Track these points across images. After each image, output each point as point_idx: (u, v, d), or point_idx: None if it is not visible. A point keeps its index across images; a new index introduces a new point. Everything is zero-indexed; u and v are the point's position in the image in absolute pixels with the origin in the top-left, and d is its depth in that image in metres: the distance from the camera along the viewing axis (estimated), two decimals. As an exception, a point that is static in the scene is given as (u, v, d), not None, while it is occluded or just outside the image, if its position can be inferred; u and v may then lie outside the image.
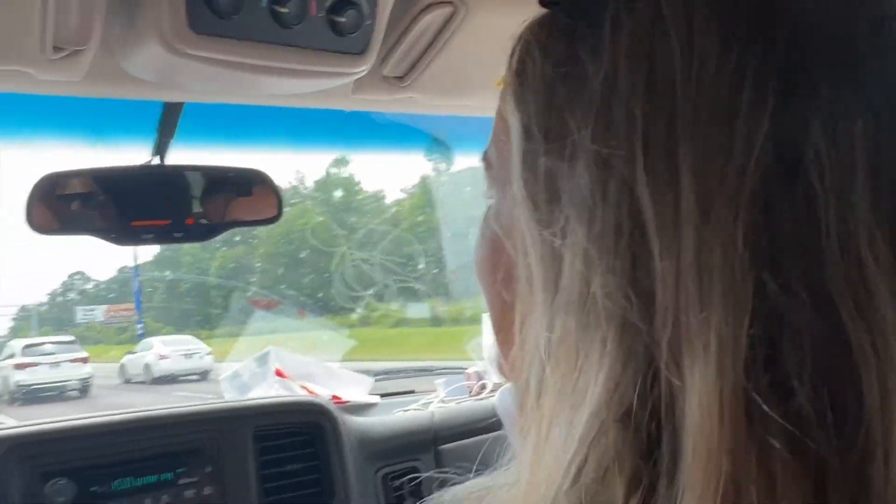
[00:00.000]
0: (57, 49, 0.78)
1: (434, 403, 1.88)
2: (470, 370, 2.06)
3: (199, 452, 1.45)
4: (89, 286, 20.69)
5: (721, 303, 0.30)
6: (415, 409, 1.85)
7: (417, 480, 1.57)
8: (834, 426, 0.30)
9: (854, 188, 0.31)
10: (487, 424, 1.47)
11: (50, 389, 11.47)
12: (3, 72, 0.79)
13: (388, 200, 17.25)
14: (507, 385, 0.46)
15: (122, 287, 18.91)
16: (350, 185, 17.77)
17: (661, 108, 0.32)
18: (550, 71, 0.37)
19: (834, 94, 0.32)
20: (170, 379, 12.31)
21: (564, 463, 0.32)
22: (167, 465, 1.42)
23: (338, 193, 17.92)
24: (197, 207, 1.17)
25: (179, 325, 16.67)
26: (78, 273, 20.46)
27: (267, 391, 1.95)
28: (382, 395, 2.00)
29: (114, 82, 0.91)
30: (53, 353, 12.06)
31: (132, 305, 17.62)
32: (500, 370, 0.46)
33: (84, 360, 12.24)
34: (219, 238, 1.22)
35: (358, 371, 2.11)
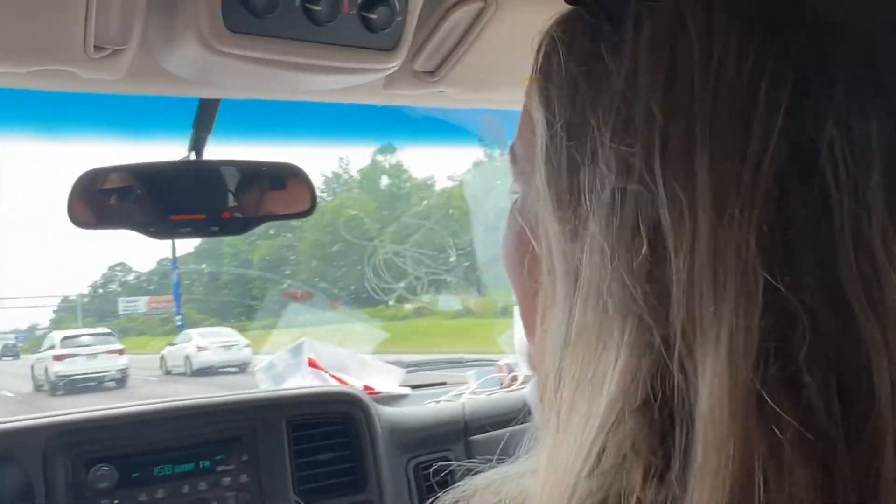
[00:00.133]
0: (98, 49, 0.80)
1: (465, 395, 1.89)
2: (501, 362, 2.07)
3: (235, 441, 1.49)
4: (130, 277, 20.89)
5: (733, 297, 0.31)
6: (446, 401, 1.86)
7: (448, 471, 1.58)
8: (843, 417, 0.30)
9: (868, 186, 0.31)
10: (518, 416, 1.47)
11: (88, 380, 11.67)
12: (48, 71, 0.82)
13: (437, 188, 16.60)
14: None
15: (161, 279, 19.05)
16: (397, 172, 17.20)
17: (680, 106, 0.33)
18: (574, 68, 0.38)
19: (850, 93, 0.32)
20: (210, 371, 12.39)
21: (584, 450, 0.33)
22: (205, 453, 1.46)
23: (384, 181, 17.36)
24: (232, 202, 1.19)
25: (221, 316, 16.69)
26: (119, 264, 20.68)
27: (301, 382, 1.98)
28: (414, 387, 2.01)
29: (152, 80, 0.93)
30: (91, 345, 12.26)
31: (169, 297, 17.79)
32: (529, 361, 0.47)
33: (120, 352, 12.43)
34: (259, 230, 1.23)
35: (390, 363, 2.13)
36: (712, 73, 0.33)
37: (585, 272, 0.35)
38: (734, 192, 0.31)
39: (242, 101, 1.16)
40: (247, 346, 12.65)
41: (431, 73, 1.02)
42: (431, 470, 1.59)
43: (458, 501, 0.42)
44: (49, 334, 13.83)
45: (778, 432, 0.30)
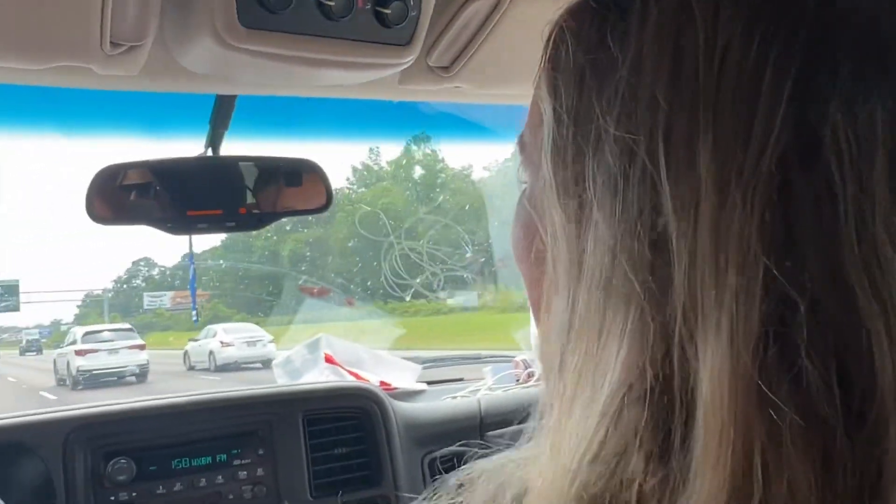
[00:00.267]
0: (115, 45, 0.81)
1: (481, 391, 1.89)
2: (518, 358, 2.07)
3: (252, 435, 1.50)
4: (155, 272, 20.91)
5: (735, 283, 0.31)
6: (462, 397, 1.86)
7: (463, 466, 1.58)
8: (844, 404, 0.30)
9: (872, 172, 0.31)
10: (534, 412, 1.47)
11: (109, 375, 11.79)
12: (65, 68, 0.83)
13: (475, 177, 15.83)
14: None
15: (185, 273, 19.07)
16: (433, 162, 16.54)
17: (685, 94, 0.33)
18: (581, 57, 0.38)
19: (855, 79, 0.32)
20: (234, 366, 12.40)
21: (586, 437, 0.33)
22: (222, 447, 1.47)
23: (418, 172, 16.66)
24: (250, 198, 1.20)
25: (250, 311, 16.59)
26: (143, 259, 20.73)
27: (317, 377, 1.99)
28: (430, 383, 2.01)
29: (168, 77, 0.94)
30: (112, 340, 12.40)
31: (200, 291, 17.83)
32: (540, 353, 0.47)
33: (141, 347, 12.55)
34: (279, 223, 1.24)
35: (406, 359, 2.13)
36: (717, 60, 0.33)
37: (589, 259, 0.35)
38: (736, 177, 0.31)
39: (258, 98, 1.17)
40: (271, 341, 12.65)
41: (446, 68, 1.02)
42: (448, 464, 1.60)
43: (462, 484, 0.42)
44: (71, 329, 13.99)
45: (777, 418, 0.30)
